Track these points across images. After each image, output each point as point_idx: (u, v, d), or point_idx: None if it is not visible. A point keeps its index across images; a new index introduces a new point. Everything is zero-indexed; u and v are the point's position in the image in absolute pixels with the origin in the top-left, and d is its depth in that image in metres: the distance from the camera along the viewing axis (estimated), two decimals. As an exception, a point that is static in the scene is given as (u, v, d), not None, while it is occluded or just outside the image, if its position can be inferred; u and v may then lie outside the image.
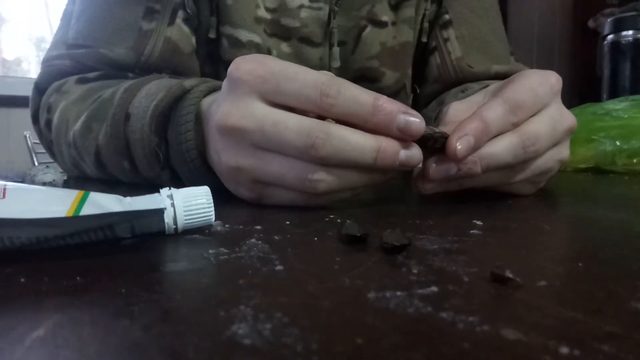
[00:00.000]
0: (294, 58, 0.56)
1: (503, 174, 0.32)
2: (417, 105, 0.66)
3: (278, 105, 0.28)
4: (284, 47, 0.56)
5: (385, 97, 0.27)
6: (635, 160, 0.57)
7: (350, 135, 0.27)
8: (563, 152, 0.35)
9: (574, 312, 0.14)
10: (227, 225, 0.25)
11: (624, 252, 0.21)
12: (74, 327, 0.13)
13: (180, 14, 0.50)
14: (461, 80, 0.62)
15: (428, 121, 0.29)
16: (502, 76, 0.58)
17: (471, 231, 0.24)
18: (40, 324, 0.13)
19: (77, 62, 0.49)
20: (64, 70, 0.50)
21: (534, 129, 0.31)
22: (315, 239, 0.22)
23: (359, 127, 0.27)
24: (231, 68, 0.29)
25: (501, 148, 0.30)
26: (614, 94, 1.64)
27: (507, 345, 0.12)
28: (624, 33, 1.64)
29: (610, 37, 1.70)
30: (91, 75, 0.48)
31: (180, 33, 0.50)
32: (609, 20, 1.72)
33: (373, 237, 0.22)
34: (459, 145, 0.28)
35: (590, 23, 2.42)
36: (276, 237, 0.22)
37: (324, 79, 0.27)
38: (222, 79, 0.33)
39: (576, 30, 2.53)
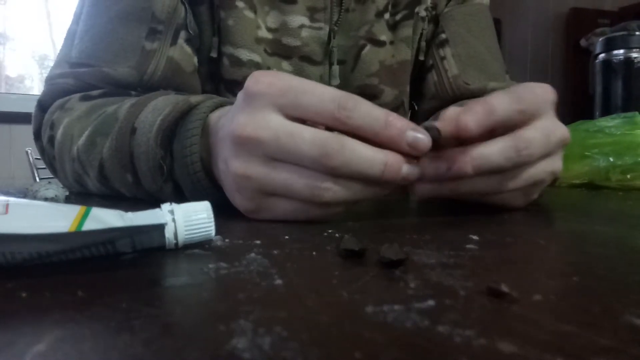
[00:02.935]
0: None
1: (495, 180, 0.32)
2: (416, 121, 0.67)
3: (292, 118, 0.29)
4: (285, 65, 0.57)
5: (394, 113, 0.29)
6: (629, 176, 0.58)
7: (361, 148, 0.28)
8: (556, 163, 0.35)
9: (570, 326, 0.14)
10: (227, 240, 0.25)
11: (618, 266, 0.21)
12: (74, 342, 0.13)
13: (183, 34, 0.51)
14: (458, 97, 0.63)
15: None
16: None
17: (467, 246, 0.24)
18: (41, 339, 0.13)
19: (80, 80, 0.50)
20: (67, 89, 0.50)
21: (528, 134, 0.31)
22: (314, 253, 0.22)
23: (368, 141, 0.29)
24: (249, 82, 0.29)
25: (494, 150, 0.30)
26: (606, 111, 1.66)
27: (503, 358, 0.12)
28: (615, 52, 1.67)
29: (601, 55, 1.73)
30: (94, 92, 0.48)
31: (183, 53, 0.51)
32: (600, 39, 1.75)
33: (371, 251, 0.22)
34: (469, 117, 0.29)
35: (583, 42, 2.47)
36: (275, 252, 0.22)
37: (340, 93, 0.28)
38: (222, 97, 0.33)
39: (569, 49, 2.58)
